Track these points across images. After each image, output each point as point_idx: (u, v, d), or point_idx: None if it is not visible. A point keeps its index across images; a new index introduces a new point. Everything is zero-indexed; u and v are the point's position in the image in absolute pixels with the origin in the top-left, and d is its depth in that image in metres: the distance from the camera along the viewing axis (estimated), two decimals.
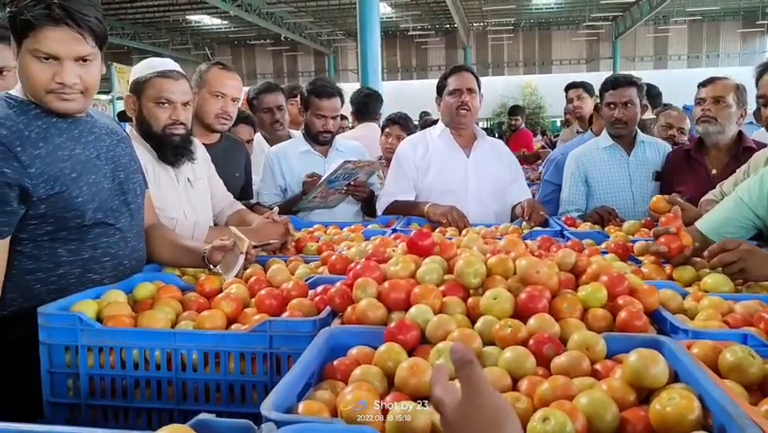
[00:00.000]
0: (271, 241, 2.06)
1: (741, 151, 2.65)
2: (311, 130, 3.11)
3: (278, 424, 0.80)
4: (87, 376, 1.35)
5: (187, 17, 23.65)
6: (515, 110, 8.78)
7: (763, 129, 2.59)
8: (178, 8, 22.30)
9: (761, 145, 2.55)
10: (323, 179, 2.77)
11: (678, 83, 3.39)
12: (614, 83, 3.01)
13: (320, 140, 3.10)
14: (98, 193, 1.62)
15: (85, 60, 1.54)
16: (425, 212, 2.74)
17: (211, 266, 1.79)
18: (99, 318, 1.43)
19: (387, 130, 3.86)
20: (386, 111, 4.42)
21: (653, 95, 3.51)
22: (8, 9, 1.48)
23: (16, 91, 1.58)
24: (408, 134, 3.75)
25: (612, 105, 2.96)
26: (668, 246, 1.76)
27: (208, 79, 2.59)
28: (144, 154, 2.18)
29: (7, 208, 1.47)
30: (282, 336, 1.29)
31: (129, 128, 2.30)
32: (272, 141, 3.45)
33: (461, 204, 2.74)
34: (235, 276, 1.72)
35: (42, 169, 1.49)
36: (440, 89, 2.97)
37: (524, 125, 8.78)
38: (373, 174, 3.08)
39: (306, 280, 1.64)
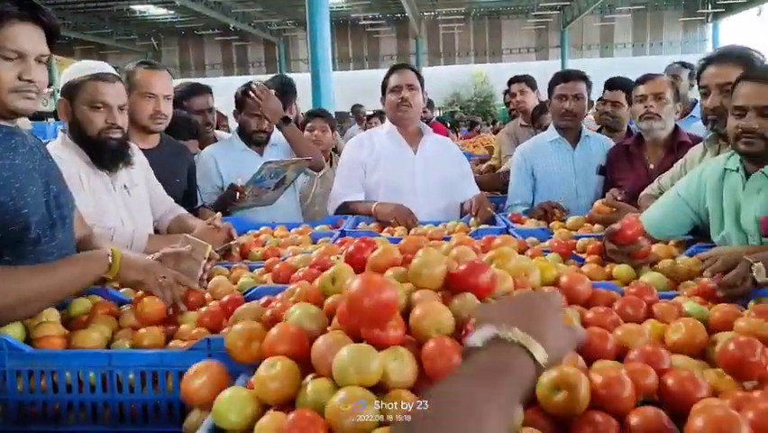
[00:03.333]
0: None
1: (677, 145, 2.73)
2: (246, 130, 3.10)
3: None
4: (17, 402, 1.29)
5: (132, 7, 22.93)
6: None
7: (699, 123, 2.66)
8: None
9: (696, 139, 2.63)
10: (247, 182, 2.74)
11: (624, 71, 3.50)
12: (565, 76, 3.09)
13: (255, 139, 3.09)
14: (39, 207, 1.56)
15: (41, 61, 1.50)
16: (372, 211, 2.74)
17: None
18: (29, 339, 1.37)
19: (309, 124, 3.82)
20: (339, 101, 4.39)
21: (629, 89, 3.47)
22: None
23: None
24: (331, 126, 3.78)
25: (563, 98, 3.02)
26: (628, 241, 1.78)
27: (136, 81, 2.52)
28: (76, 160, 2.11)
29: None
30: (222, 354, 1.26)
31: (61, 133, 2.22)
32: (201, 143, 3.36)
33: (410, 201, 2.75)
34: (199, 284, 1.68)
35: None
36: (384, 88, 2.97)
37: (435, 118, 8.96)
38: (302, 171, 3.05)
39: (245, 293, 1.61)
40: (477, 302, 1.02)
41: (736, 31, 23.99)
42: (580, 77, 3.08)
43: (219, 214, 2.26)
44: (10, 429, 1.29)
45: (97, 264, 1.50)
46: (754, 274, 1.45)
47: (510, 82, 4.76)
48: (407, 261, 1.22)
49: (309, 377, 0.93)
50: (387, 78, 2.97)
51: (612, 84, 3.38)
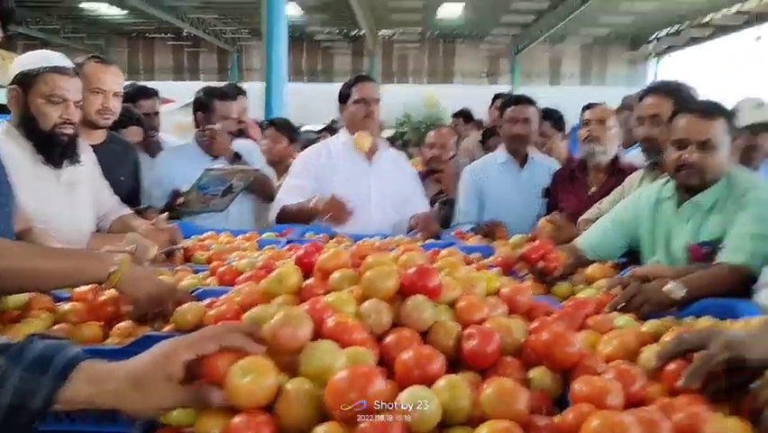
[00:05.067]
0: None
1: (617, 171, 2.85)
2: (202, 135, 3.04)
3: None
4: None
5: (82, 5, 22.30)
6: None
7: (637, 150, 2.79)
8: None
9: (634, 168, 2.76)
10: (189, 188, 2.70)
11: (571, 99, 3.66)
12: (516, 100, 3.21)
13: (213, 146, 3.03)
14: None
15: None
16: (311, 206, 2.73)
17: None
18: None
19: (266, 131, 3.82)
20: (292, 112, 4.39)
21: (555, 118, 3.69)
22: None
23: None
24: (290, 138, 3.77)
25: (513, 121, 3.11)
26: (535, 262, 1.87)
27: (86, 75, 2.45)
28: (20, 153, 2.05)
29: None
30: None
31: (5, 123, 2.15)
32: (146, 146, 3.30)
33: (365, 213, 2.78)
34: None
35: None
36: (344, 97, 2.97)
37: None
38: (249, 180, 2.93)
39: (192, 292, 1.59)
40: (429, 303, 1.05)
41: (676, 67, 25.17)
42: (530, 102, 3.19)
43: (165, 215, 2.24)
44: None
45: (99, 269, 1.37)
46: (672, 291, 1.54)
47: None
48: (356, 265, 1.24)
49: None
50: (349, 88, 2.96)
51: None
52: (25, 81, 2.01)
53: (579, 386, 0.90)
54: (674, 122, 1.91)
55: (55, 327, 1.40)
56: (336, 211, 2.60)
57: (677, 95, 2.25)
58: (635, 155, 3.07)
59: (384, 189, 2.98)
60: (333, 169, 2.96)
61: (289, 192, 2.93)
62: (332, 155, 3.00)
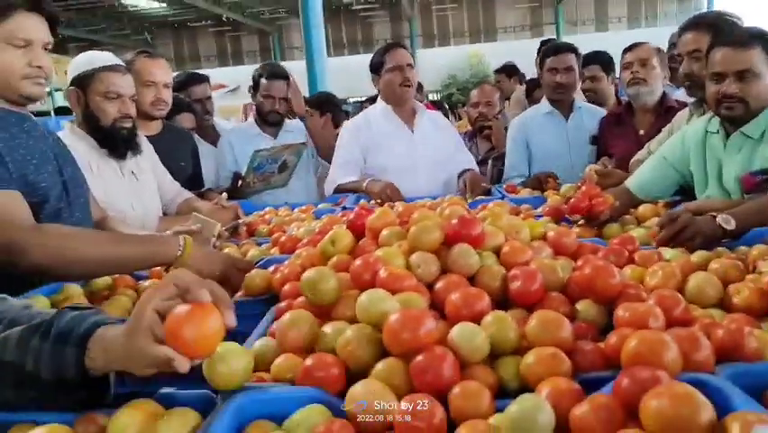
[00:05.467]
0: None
1: (665, 110, 2.81)
2: (261, 111, 3.23)
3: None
4: None
5: (124, 1, 22.86)
6: None
7: (682, 90, 2.74)
8: None
9: (682, 105, 2.71)
10: (244, 171, 2.86)
11: (619, 46, 3.54)
12: (555, 49, 3.14)
13: (269, 120, 3.19)
14: (56, 184, 1.65)
15: (46, 48, 1.60)
16: (364, 188, 2.81)
17: None
18: None
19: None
20: (334, 87, 4.49)
21: (604, 61, 3.60)
22: None
23: None
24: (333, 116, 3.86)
25: (554, 71, 3.08)
26: (584, 212, 1.89)
27: (137, 70, 2.59)
28: (86, 149, 2.19)
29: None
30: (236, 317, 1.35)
31: (68, 124, 2.31)
32: (200, 131, 3.45)
33: (412, 178, 2.84)
34: None
35: (6, 151, 1.52)
36: (376, 67, 3.01)
37: (427, 102, 9.23)
38: (301, 153, 3.11)
39: (256, 263, 1.71)
40: (473, 250, 1.11)
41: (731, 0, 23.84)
42: (570, 49, 3.14)
43: (224, 194, 2.36)
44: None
45: (167, 250, 1.50)
46: (721, 224, 1.55)
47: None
48: (404, 223, 1.32)
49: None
50: (381, 57, 2.99)
51: (586, 60, 3.43)
52: (83, 82, 2.14)
53: (621, 312, 0.95)
54: (710, 55, 1.88)
55: None
56: (387, 199, 2.66)
57: (716, 27, 2.19)
58: (683, 93, 3.01)
59: (428, 152, 3.02)
60: (377, 140, 3.01)
61: (340, 169, 3.02)
62: (372, 126, 3.05)
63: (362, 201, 2.78)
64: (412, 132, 3.03)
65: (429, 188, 2.87)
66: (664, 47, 3.19)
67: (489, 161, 3.51)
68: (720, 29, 2.15)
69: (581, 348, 0.91)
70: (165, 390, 0.94)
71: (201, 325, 0.78)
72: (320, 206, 2.67)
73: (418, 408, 0.76)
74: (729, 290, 1.15)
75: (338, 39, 27.91)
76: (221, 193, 2.62)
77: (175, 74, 3.35)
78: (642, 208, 2.01)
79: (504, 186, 2.85)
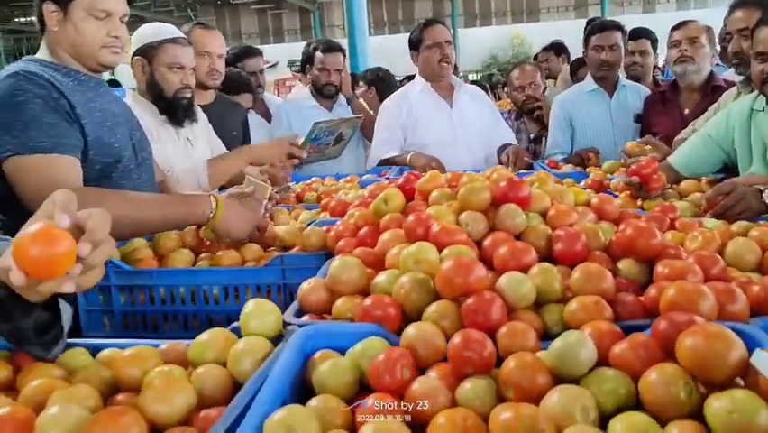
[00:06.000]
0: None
1: (711, 90, 2.80)
2: (317, 84, 3.33)
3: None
4: (121, 313, 1.51)
5: None
6: None
7: (732, 69, 2.72)
8: None
9: (730, 84, 2.69)
10: (302, 141, 2.94)
11: (667, 27, 3.47)
12: (600, 27, 3.15)
13: (325, 92, 3.31)
14: (127, 145, 1.76)
15: (122, 20, 1.70)
16: (408, 161, 2.88)
17: None
18: (125, 262, 1.58)
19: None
20: (375, 66, 4.57)
21: (653, 39, 3.59)
22: None
23: (40, 55, 1.70)
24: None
25: (599, 49, 3.09)
26: (643, 179, 1.92)
27: (193, 41, 2.68)
28: (147, 116, 2.31)
29: (77, 134, 1.59)
30: (293, 269, 1.45)
31: (130, 91, 2.43)
32: (253, 103, 3.57)
33: (454, 153, 2.89)
34: None
35: (84, 113, 1.62)
36: (415, 44, 3.05)
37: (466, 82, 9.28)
38: (358, 126, 3.23)
39: (308, 224, 1.80)
40: (519, 212, 1.18)
41: None
42: (616, 27, 3.14)
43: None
44: (116, 336, 1.51)
45: (201, 211, 1.57)
46: (766, 200, 1.57)
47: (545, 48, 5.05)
48: (452, 187, 1.39)
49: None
50: (420, 34, 3.04)
51: (635, 34, 3.41)
52: (148, 52, 2.25)
53: (661, 268, 1.01)
54: (756, 33, 1.88)
55: (201, 255, 1.64)
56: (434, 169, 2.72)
57: (766, 6, 2.19)
58: (732, 73, 2.99)
59: (468, 126, 3.07)
60: (417, 116, 3.08)
61: (382, 145, 3.11)
62: (412, 103, 3.11)
63: (406, 173, 2.85)
64: (451, 107, 3.09)
65: (471, 163, 2.93)
66: (715, 29, 3.16)
67: (543, 140, 3.52)
68: None
69: (622, 299, 0.98)
70: (235, 324, 1.03)
71: (43, 246, 0.76)
72: (365, 177, 2.75)
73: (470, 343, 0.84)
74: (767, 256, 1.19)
75: (379, 17, 27.78)
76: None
77: (230, 48, 3.48)
78: (684, 184, 2.04)
79: (546, 162, 2.89)
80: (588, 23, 4.71)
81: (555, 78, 4.85)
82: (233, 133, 2.95)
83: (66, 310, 1.01)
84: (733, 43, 2.28)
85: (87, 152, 1.63)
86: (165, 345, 0.99)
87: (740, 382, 0.74)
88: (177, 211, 1.61)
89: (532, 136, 3.59)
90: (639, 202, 1.94)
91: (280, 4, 27.80)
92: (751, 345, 0.77)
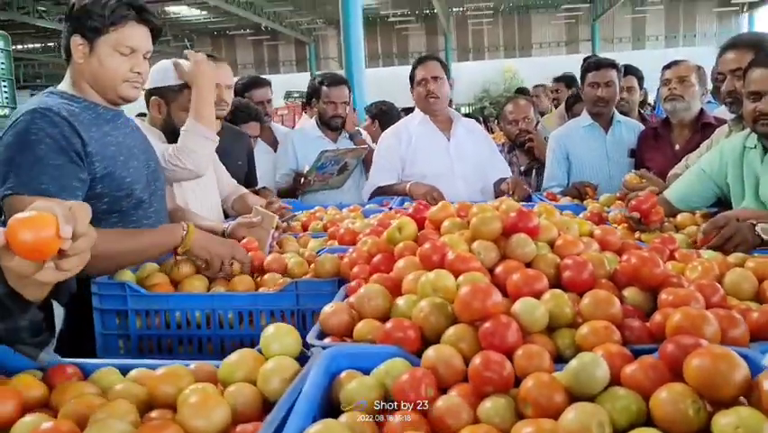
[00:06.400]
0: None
1: (701, 126, 2.90)
2: (324, 116, 3.41)
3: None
4: (137, 337, 1.55)
5: (165, 8, 23.50)
6: None
7: (723, 107, 2.83)
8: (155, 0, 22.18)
9: (721, 121, 2.80)
10: (308, 169, 3.03)
11: (656, 64, 3.60)
12: (596, 65, 3.26)
13: (332, 125, 3.39)
14: (140, 178, 1.81)
15: (146, 57, 1.77)
16: (407, 191, 2.95)
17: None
18: (141, 287, 1.62)
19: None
20: (370, 98, 4.70)
21: (639, 77, 3.78)
22: (81, 8, 1.67)
23: (63, 87, 1.76)
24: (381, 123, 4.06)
25: (595, 85, 3.20)
26: (643, 214, 1.99)
27: None
28: (157, 143, 2.36)
29: (81, 176, 1.63)
30: (307, 295, 1.50)
31: (139, 120, 2.48)
32: (260, 132, 3.65)
33: (450, 185, 2.96)
34: (269, 250, 1.92)
35: (97, 149, 1.67)
36: (411, 79, 3.18)
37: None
38: (361, 157, 3.33)
39: (318, 252, 1.85)
40: (529, 241, 1.24)
41: None
42: (611, 65, 3.25)
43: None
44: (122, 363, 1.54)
45: (173, 237, 1.67)
46: (760, 234, 1.65)
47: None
48: (461, 216, 1.45)
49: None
50: (413, 70, 3.17)
51: (624, 71, 3.54)
52: (167, 95, 2.28)
53: (665, 295, 1.07)
54: (748, 74, 1.98)
55: (216, 280, 1.68)
56: (433, 201, 2.78)
57: (757, 47, 2.29)
58: (722, 111, 3.10)
59: (464, 160, 3.15)
60: (415, 148, 3.16)
61: (379, 173, 3.19)
62: (411, 135, 3.20)
63: (407, 203, 2.92)
64: (449, 140, 3.17)
65: (467, 194, 2.99)
66: (703, 66, 3.29)
67: (533, 171, 3.62)
68: (761, 48, 2.25)
69: (629, 324, 1.03)
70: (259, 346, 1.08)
71: (31, 228, 0.83)
72: (367, 206, 2.81)
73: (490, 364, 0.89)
74: (764, 286, 1.25)
75: (373, 50, 28.24)
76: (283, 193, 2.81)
77: (239, 78, 3.57)
78: (680, 217, 2.11)
79: (544, 194, 2.96)
80: (584, 60, 4.88)
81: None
82: (239, 163, 3.01)
83: (58, 312, 1.06)
84: (726, 83, 2.38)
85: (96, 187, 1.68)
86: (193, 365, 1.03)
87: (743, 400, 0.80)
88: (153, 240, 1.69)
89: (523, 169, 3.68)
90: (637, 234, 2.01)
91: (276, 35, 28.22)
92: (753, 367, 0.83)
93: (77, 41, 1.70)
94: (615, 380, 0.87)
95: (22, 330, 1.00)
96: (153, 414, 0.91)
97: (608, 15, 24.62)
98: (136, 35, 1.72)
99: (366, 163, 3.43)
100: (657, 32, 27.04)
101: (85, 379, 1.06)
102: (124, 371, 1.07)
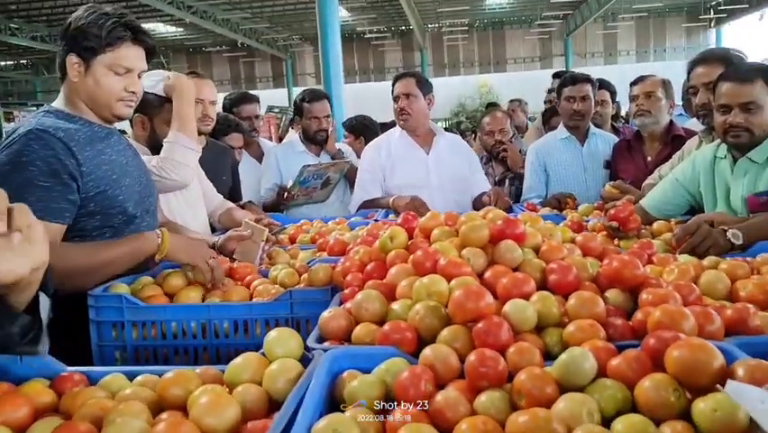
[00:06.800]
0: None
1: (671, 138, 3.02)
2: (308, 132, 3.47)
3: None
4: (133, 347, 1.58)
5: (142, 26, 23.44)
6: None
7: (694, 119, 2.94)
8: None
9: (690, 133, 2.91)
10: (291, 183, 3.09)
11: (627, 78, 3.73)
12: (572, 79, 3.37)
13: (317, 139, 3.46)
14: (132, 195, 1.84)
15: (139, 76, 1.81)
16: (390, 204, 3.01)
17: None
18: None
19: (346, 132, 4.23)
20: (348, 113, 4.78)
21: (611, 91, 3.93)
22: (77, 28, 1.71)
23: (58, 105, 1.79)
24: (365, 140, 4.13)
25: (571, 99, 3.30)
26: (621, 222, 2.07)
27: None
28: (144, 159, 2.39)
29: (71, 197, 1.66)
30: (301, 304, 1.55)
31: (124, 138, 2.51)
32: (246, 147, 3.70)
33: (426, 196, 3.03)
34: (259, 262, 1.96)
35: (91, 169, 1.70)
36: (393, 96, 3.26)
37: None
38: (344, 171, 3.39)
39: (308, 263, 1.89)
40: (516, 247, 1.30)
41: (737, 35, 24.25)
42: (587, 79, 3.36)
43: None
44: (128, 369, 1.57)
45: (148, 244, 1.72)
46: (731, 239, 1.73)
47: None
48: (449, 225, 1.51)
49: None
50: (392, 86, 3.26)
51: (598, 85, 3.67)
52: (149, 111, 2.32)
53: (645, 295, 1.14)
54: (717, 88, 2.08)
55: (211, 291, 1.72)
56: (416, 210, 2.84)
57: (727, 61, 2.40)
58: (693, 123, 3.22)
59: (442, 173, 3.21)
60: (393, 161, 3.24)
61: (364, 186, 3.25)
62: (391, 148, 3.27)
63: (391, 216, 2.98)
64: (427, 153, 3.23)
65: (443, 206, 3.03)
66: (673, 80, 3.42)
67: (506, 181, 3.71)
68: (729, 63, 2.36)
69: (612, 322, 1.10)
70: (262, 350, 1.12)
71: None
72: (352, 219, 2.86)
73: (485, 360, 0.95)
74: (736, 286, 1.33)
75: (350, 66, 28.40)
76: (269, 206, 2.85)
77: (227, 93, 3.62)
78: (656, 224, 2.20)
79: (524, 204, 3.05)
80: (554, 76, 5.02)
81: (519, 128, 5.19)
82: (223, 178, 3.05)
83: (44, 303, 1.07)
84: (700, 96, 2.48)
85: (88, 205, 1.72)
86: (199, 369, 1.07)
87: (720, 388, 0.86)
88: (127, 249, 1.72)
89: (497, 178, 3.77)
90: (616, 242, 2.08)
91: (253, 52, 28.27)
92: (728, 358, 0.90)
93: (72, 59, 1.73)
94: (601, 372, 0.93)
95: (14, 336, 1.02)
96: (164, 415, 0.95)
97: (581, 31, 25.13)
98: (131, 56, 1.76)
99: (350, 178, 3.48)
100: (629, 46, 27.63)
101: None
102: (130, 377, 1.11)
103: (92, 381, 1.11)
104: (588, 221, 2.46)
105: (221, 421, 0.87)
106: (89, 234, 1.74)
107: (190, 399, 0.93)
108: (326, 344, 1.16)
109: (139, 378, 1.09)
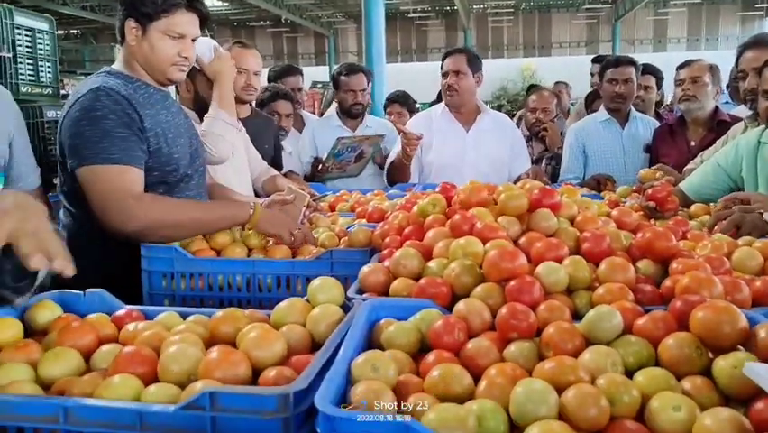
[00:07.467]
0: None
1: (716, 124, 2.98)
2: (344, 105, 3.54)
3: None
4: (181, 297, 1.67)
5: None
6: None
7: (741, 106, 2.91)
8: None
9: (735, 119, 2.88)
10: (326, 156, 3.15)
11: (676, 67, 3.68)
12: (615, 62, 3.35)
13: (353, 112, 3.51)
14: (185, 155, 1.94)
15: (193, 41, 1.88)
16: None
17: None
18: None
19: (388, 109, 4.23)
20: (388, 92, 4.81)
21: (658, 77, 3.87)
22: None
23: (118, 67, 1.89)
24: (410, 110, 4.14)
25: (613, 82, 3.29)
26: (659, 202, 2.08)
27: (232, 57, 2.88)
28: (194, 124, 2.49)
29: (143, 147, 1.77)
30: (341, 263, 1.62)
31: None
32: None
33: (458, 177, 3.05)
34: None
35: (151, 126, 1.80)
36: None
37: None
38: (378, 146, 3.42)
39: (347, 228, 1.97)
40: (551, 216, 1.34)
41: None
42: (630, 62, 3.33)
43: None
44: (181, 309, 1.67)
45: (241, 213, 1.81)
46: None
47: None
48: (489, 194, 1.55)
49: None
50: (442, 62, 3.26)
51: (642, 70, 3.61)
52: (191, 73, 2.34)
53: (675, 264, 1.18)
54: (764, 73, 2.06)
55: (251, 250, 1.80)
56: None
57: None
58: (740, 110, 3.17)
59: (480, 152, 3.20)
60: (434, 134, 3.24)
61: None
62: (432, 122, 3.29)
63: (429, 189, 3.02)
64: (467, 132, 3.24)
65: None
66: (723, 70, 3.36)
67: (544, 160, 3.71)
68: None
69: (642, 288, 1.14)
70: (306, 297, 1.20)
71: None
72: (391, 190, 2.92)
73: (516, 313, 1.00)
74: None
75: (392, 45, 28.29)
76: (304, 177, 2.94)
77: (273, 66, 3.71)
78: (694, 207, 2.20)
79: (562, 185, 3.05)
80: (594, 60, 4.94)
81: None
82: (266, 147, 3.13)
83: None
84: (749, 80, 2.45)
85: (147, 161, 1.81)
86: (247, 311, 1.15)
87: (741, 349, 0.90)
88: (223, 214, 1.82)
89: (534, 157, 3.76)
90: (652, 222, 2.10)
91: (296, 28, 28.37)
92: (752, 323, 0.93)
93: (130, 24, 1.82)
94: (627, 331, 0.97)
95: (6, 273, 1.01)
96: (215, 349, 1.03)
97: (630, 16, 24.51)
98: (185, 22, 1.84)
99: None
100: (679, 34, 26.88)
101: None
102: (183, 316, 1.19)
103: (148, 318, 1.20)
104: (625, 202, 2.47)
105: (268, 354, 0.95)
106: (145, 189, 1.84)
107: (239, 335, 1.01)
108: (366, 295, 1.23)
109: (191, 317, 1.17)
